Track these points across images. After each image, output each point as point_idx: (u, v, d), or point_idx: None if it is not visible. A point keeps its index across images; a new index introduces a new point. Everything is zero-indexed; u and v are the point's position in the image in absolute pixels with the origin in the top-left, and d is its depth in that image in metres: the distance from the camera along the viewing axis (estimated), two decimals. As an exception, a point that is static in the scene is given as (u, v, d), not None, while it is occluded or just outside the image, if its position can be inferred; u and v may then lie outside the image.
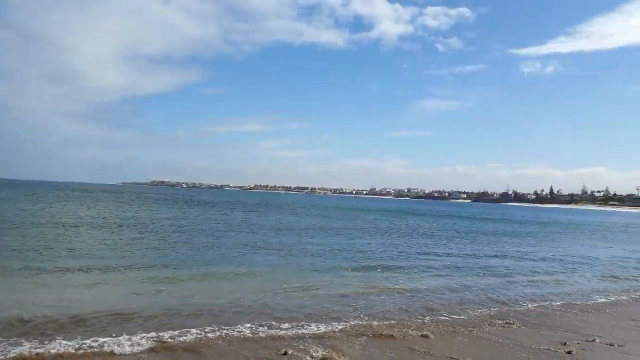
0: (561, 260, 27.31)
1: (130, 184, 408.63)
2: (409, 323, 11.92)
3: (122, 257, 19.72)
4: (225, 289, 14.92)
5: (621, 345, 10.69)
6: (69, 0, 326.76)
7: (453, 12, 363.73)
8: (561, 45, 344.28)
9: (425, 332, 11.04)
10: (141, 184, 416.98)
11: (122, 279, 15.67)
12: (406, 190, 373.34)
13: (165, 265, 18.43)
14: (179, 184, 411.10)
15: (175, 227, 34.53)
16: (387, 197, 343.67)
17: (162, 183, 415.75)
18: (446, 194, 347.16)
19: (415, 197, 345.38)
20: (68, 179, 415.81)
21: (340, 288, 15.78)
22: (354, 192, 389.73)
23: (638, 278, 22.21)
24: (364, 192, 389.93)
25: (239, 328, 10.74)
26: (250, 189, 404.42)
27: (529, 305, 14.90)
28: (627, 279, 21.87)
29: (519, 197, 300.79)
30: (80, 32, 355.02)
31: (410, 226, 50.31)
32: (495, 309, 14.07)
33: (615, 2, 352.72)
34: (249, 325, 11.01)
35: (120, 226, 32.71)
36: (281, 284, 15.82)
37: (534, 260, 26.70)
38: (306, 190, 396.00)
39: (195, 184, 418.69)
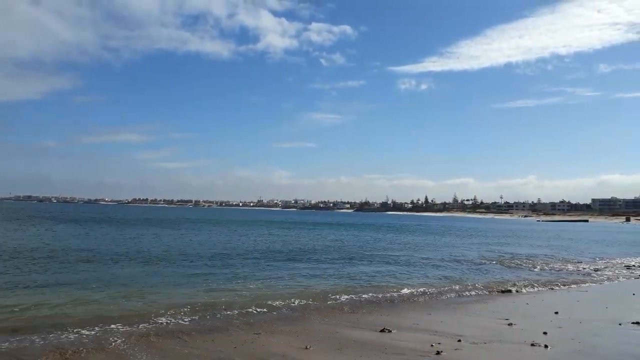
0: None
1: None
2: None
3: None
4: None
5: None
6: None
7: (336, 29, 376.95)
8: (434, 64, 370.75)
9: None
10: (4, 199, 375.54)
11: None
12: (293, 202, 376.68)
13: None
14: (48, 199, 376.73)
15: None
16: (275, 209, 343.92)
17: (29, 198, 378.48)
18: (331, 204, 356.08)
19: (302, 208, 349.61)
20: None
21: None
22: (240, 204, 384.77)
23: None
24: (251, 203, 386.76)
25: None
26: (129, 202, 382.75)
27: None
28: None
29: (397, 206, 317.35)
30: None
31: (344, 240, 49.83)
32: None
33: (480, 28, 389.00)
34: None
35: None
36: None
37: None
38: (190, 204, 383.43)
39: (67, 198, 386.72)
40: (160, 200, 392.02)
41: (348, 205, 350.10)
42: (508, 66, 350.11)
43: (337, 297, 16.23)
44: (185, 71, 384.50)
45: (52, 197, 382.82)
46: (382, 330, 11.64)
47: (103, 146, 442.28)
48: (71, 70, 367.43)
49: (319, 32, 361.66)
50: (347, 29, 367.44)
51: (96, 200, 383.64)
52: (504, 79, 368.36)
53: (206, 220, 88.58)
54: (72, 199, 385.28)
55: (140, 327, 11.52)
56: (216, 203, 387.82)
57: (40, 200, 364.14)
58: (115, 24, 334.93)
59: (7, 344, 9.80)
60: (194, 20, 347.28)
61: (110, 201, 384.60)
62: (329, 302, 15.28)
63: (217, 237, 44.48)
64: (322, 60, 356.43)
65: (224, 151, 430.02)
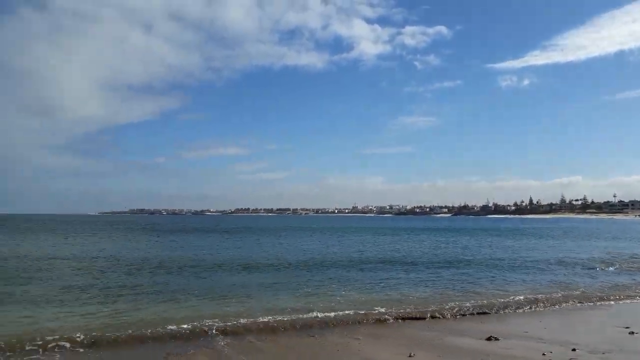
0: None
1: (108, 213, 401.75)
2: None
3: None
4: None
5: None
6: (48, 33, 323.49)
7: (430, 30, 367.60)
8: (536, 58, 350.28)
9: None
10: (120, 212, 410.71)
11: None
12: (388, 207, 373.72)
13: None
14: (158, 211, 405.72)
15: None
16: (370, 215, 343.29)
17: (142, 211, 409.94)
18: (427, 209, 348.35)
19: (397, 214, 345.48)
20: (46, 210, 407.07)
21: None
22: (336, 211, 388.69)
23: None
24: (347, 210, 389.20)
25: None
26: (232, 212, 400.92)
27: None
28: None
29: (499, 209, 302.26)
30: (60, 64, 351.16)
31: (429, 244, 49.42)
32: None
33: (586, 16, 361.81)
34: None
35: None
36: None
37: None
38: (288, 212, 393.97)
39: (175, 210, 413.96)
40: (261, 209, 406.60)
41: (445, 210, 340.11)
42: (620, 54, 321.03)
43: (439, 303, 15.89)
44: (281, 84, 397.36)
45: (162, 210, 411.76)
46: (489, 339, 11.23)
47: (207, 160, 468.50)
48: (178, 91, 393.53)
49: (413, 35, 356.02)
50: (442, 29, 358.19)
51: (202, 211, 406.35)
52: (615, 68, 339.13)
53: (304, 227, 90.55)
54: (180, 211, 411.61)
55: (239, 329, 12.11)
56: (313, 210, 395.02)
57: (152, 213, 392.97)
58: (217, 45, 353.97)
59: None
60: (290, 35, 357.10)
61: (215, 212, 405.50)
62: (429, 309, 14.99)
63: (314, 243, 45.28)
64: (416, 63, 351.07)
65: (318, 159, 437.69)
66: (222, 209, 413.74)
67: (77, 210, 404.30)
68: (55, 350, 10.37)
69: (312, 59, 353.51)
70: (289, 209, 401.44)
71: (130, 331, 11.76)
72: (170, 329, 12.05)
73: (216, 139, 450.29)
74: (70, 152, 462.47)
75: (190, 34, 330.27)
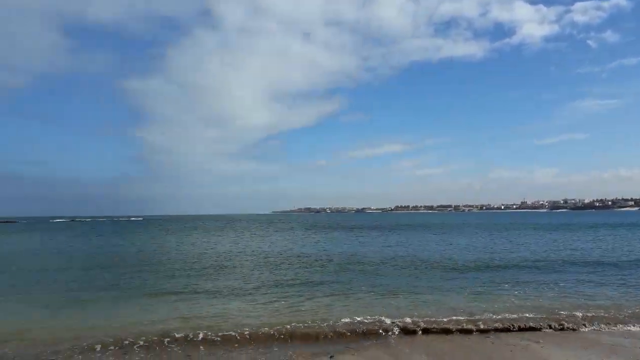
0: None
1: (279, 212, 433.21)
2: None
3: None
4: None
5: None
6: (220, 50, 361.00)
7: (605, 4, 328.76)
8: None
9: None
10: (289, 211, 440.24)
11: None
12: (562, 202, 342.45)
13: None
14: (323, 210, 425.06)
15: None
16: (541, 210, 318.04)
17: (308, 210, 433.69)
18: (609, 202, 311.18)
19: (573, 208, 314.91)
20: (224, 211, 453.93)
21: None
22: (502, 207, 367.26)
23: None
24: (514, 206, 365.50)
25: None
26: (392, 210, 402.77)
27: None
28: None
29: None
30: (231, 78, 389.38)
31: None
32: None
33: None
34: None
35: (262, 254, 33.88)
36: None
37: None
38: (450, 208, 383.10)
39: (339, 208, 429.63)
40: (421, 206, 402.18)
41: (632, 203, 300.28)
42: None
43: (629, 307, 14.08)
44: (439, 77, 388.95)
45: (327, 208, 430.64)
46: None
47: (367, 159, 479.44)
48: (337, 94, 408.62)
49: (584, 11, 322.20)
50: (620, 1, 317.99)
51: (363, 209, 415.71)
52: None
53: (467, 224, 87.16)
54: (343, 209, 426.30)
55: (411, 325, 12.03)
56: (476, 207, 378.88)
57: (317, 212, 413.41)
58: (373, 45, 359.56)
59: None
60: (445, 26, 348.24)
61: (375, 209, 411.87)
62: (623, 314, 13.34)
63: (479, 241, 43.27)
64: (590, 42, 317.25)
65: (480, 152, 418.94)
66: (382, 207, 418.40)
67: (253, 210, 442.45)
68: (237, 339, 11.40)
69: (470, 49, 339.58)
70: (450, 206, 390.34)
71: (309, 322, 12.50)
72: (344, 322, 12.51)
73: (375, 138, 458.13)
74: (244, 157, 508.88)
75: (346, 37, 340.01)
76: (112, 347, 10.59)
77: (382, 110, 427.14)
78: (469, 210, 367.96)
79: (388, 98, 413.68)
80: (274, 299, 16.21)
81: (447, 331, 11.75)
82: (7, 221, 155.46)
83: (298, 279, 20.69)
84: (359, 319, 12.77)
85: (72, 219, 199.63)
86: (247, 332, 11.56)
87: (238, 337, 11.26)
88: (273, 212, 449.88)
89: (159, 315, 13.91)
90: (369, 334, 11.55)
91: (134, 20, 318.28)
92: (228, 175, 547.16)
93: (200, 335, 11.36)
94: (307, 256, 30.42)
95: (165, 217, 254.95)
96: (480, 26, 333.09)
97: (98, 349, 10.51)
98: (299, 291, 17.73)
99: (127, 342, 10.93)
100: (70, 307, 15.31)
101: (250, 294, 17.38)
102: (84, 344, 10.80)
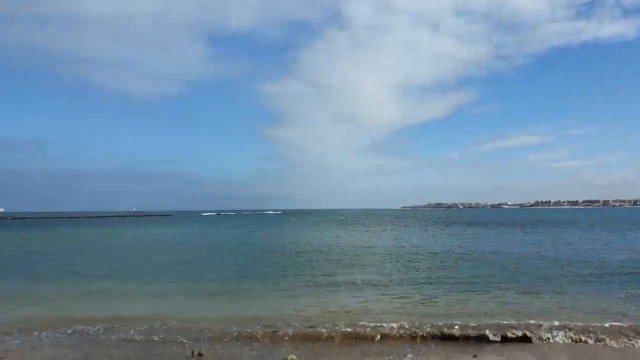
0: None
1: (409, 207, 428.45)
2: None
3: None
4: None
5: None
6: (349, 49, 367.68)
7: None
8: None
9: None
10: (419, 207, 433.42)
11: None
12: None
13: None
14: (455, 205, 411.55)
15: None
16: None
17: (439, 205, 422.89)
18: None
19: None
20: (355, 206, 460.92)
21: None
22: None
23: None
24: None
25: None
26: (531, 205, 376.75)
27: None
28: None
29: None
30: (360, 75, 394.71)
31: None
32: None
33: None
34: None
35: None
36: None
37: None
38: (597, 204, 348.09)
39: (472, 203, 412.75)
40: (564, 201, 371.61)
41: None
42: None
43: None
44: (581, 62, 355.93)
45: (459, 203, 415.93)
46: None
47: (501, 152, 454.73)
48: (468, 86, 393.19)
49: None
50: None
51: (499, 204, 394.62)
52: None
53: (620, 220, 78.61)
54: (477, 204, 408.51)
55: (555, 329, 11.30)
56: (629, 202, 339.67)
57: (449, 207, 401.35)
58: (506, 32, 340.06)
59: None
60: (588, 7, 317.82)
61: (512, 204, 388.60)
62: None
63: (635, 239, 38.85)
64: None
65: (635, 142, 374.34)
66: (520, 202, 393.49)
67: (382, 205, 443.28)
68: (375, 332, 11.70)
69: (618, 28, 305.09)
70: (597, 201, 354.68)
71: (445, 319, 12.41)
72: (483, 320, 12.20)
73: (510, 129, 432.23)
74: (373, 153, 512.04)
75: (477, 25, 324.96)
76: (259, 334, 11.52)
77: (518, 100, 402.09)
78: (619, 205, 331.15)
79: (524, 87, 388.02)
80: (409, 293, 16.29)
81: (598, 338, 10.92)
82: (166, 215, 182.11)
83: (432, 274, 20.53)
84: (498, 317, 12.41)
85: (218, 213, 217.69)
86: (385, 326, 11.82)
87: (376, 331, 11.57)
88: (403, 207, 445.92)
89: (301, 304, 14.76)
90: (511, 334, 11.15)
91: (269, 26, 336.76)
92: (358, 170, 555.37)
93: (344, 327, 11.85)
94: (439, 251, 29.93)
95: (301, 211, 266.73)
96: (629, 3, 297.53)
97: (248, 335, 11.51)
98: (433, 286, 17.64)
99: (275, 330, 11.82)
100: (222, 294, 16.87)
101: (385, 286, 17.68)
102: (235, 329, 11.90)
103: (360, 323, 12.04)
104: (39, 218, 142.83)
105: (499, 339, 10.76)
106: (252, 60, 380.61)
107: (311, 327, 11.95)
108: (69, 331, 11.95)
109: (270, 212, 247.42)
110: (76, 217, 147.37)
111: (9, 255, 32.28)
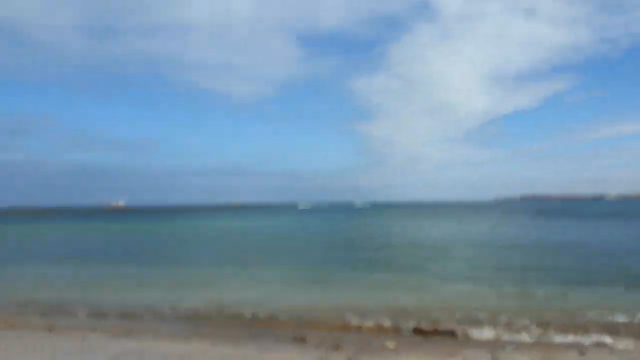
0: None
1: (501, 199, 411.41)
2: None
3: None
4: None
5: None
6: (438, 40, 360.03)
7: None
8: None
9: None
10: (512, 198, 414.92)
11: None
12: None
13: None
14: (549, 197, 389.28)
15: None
16: None
17: (534, 196, 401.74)
18: None
19: None
20: (445, 197, 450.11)
21: None
22: None
23: None
24: None
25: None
26: (638, 197, 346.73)
27: None
28: None
29: None
30: (450, 66, 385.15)
31: None
32: None
33: None
34: None
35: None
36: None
37: None
38: None
39: (569, 195, 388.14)
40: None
41: None
42: None
43: None
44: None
45: (554, 195, 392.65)
46: None
47: (599, 140, 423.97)
48: (564, 72, 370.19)
49: None
50: None
51: (601, 195, 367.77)
52: None
53: None
54: (575, 196, 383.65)
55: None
56: None
57: (542, 199, 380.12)
58: (611, 13, 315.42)
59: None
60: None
61: (617, 196, 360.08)
62: None
63: None
64: None
65: None
66: (624, 194, 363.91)
67: (473, 197, 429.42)
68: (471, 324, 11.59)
69: None
70: None
71: (544, 313, 12.03)
72: (588, 314, 11.74)
73: (613, 116, 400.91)
74: (464, 143, 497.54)
75: (576, 8, 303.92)
76: (358, 322, 11.84)
77: (623, 85, 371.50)
78: None
79: (630, 70, 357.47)
80: (504, 287, 15.94)
81: None
82: (264, 206, 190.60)
83: (527, 267, 19.95)
84: (603, 311, 11.83)
85: (312, 206, 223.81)
86: (483, 318, 11.71)
87: (471, 323, 11.49)
88: (495, 199, 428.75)
89: (395, 295, 14.92)
90: (619, 331, 10.60)
91: (358, 23, 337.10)
92: (448, 162, 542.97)
93: (439, 320, 11.90)
94: (533, 244, 28.81)
95: (391, 203, 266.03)
96: None
97: (347, 323, 11.88)
98: (529, 279, 17.13)
99: (373, 319, 12.10)
100: (320, 282, 17.44)
101: (478, 280, 17.40)
102: (334, 316, 12.34)
103: (457, 316, 12.02)
104: (156, 211, 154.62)
105: (608, 336, 10.28)
106: (342, 57, 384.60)
107: (410, 315, 12.11)
108: (177, 312, 13.03)
109: (360, 204, 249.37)
110: (181, 210, 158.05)
111: (143, 242, 35.25)
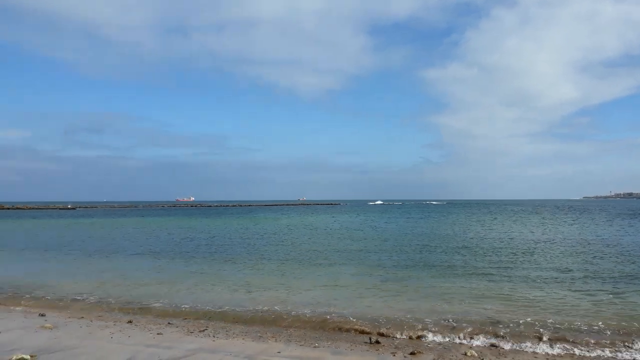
0: None
1: (592, 197, 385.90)
2: None
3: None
4: None
5: None
6: (519, 26, 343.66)
7: None
8: None
9: None
10: (604, 197, 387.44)
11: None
12: None
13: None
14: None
15: None
16: None
17: (630, 195, 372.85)
18: None
19: None
20: (528, 196, 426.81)
21: None
22: None
23: None
24: None
25: None
26: None
27: None
28: None
29: None
30: (532, 54, 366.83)
31: None
32: None
33: None
34: None
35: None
36: None
37: None
38: None
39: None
40: None
41: None
42: None
43: None
44: None
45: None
46: None
47: None
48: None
49: None
50: None
51: None
52: None
53: None
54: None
55: None
56: None
57: (638, 198, 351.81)
58: None
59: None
60: None
61: None
62: None
63: None
64: None
65: None
66: None
67: (560, 195, 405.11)
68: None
69: None
70: None
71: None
72: None
73: None
74: (548, 137, 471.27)
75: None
76: (437, 326, 11.23)
77: None
78: None
79: None
80: (597, 291, 14.82)
81: None
82: (333, 203, 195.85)
83: (621, 271, 18.43)
84: None
85: (386, 202, 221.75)
86: (575, 327, 10.73)
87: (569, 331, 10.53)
88: (584, 197, 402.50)
89: (476, 298, 14.09)
90: None
91: (430, 11, 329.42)
92: (531, 157, 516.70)
93: (525, 328, 11.05)
94: (628, 247, 26.49)
95: (467, 201, 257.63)
96: None
97: (425, 326, 11.30)
98: (623, 284, 15.84)
99: (453, 323, 11.46)
100: (394, 282, 16.92)
101: (567, 283, 16.32)
102: (410, 318, 11.83)
103: (549, 321, 11.12)
104: (224, 206, 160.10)
105: None
106: (414, 47, 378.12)
107: (493, 322, 11.34)
108: (250, 310, 13.05)
109: (434, 202, 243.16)
110: (250, 205, 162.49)
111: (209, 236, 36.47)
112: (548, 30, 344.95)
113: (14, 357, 8.13)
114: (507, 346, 9.87)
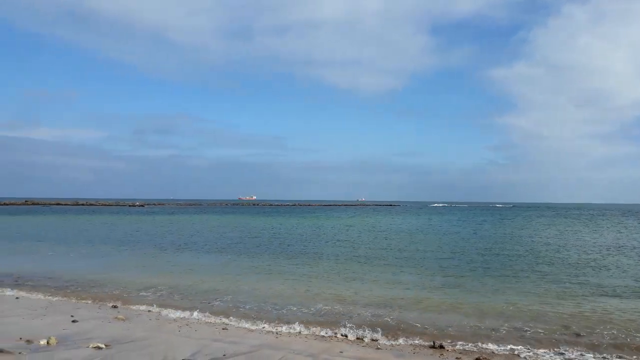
0: None
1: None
2: None
3: None
4: None
5: None
6: (590, 23, 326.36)
7: None
8: None
9: None
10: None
11: None
12: None
13: None
14: None
15: None
16: None
17: None
18: None
19: None
20: (601, 200, 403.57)
21: None
22: None
23: None
24: None
25: None
26: None
27: None
28: None
29: None
30: (605, 52, 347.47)
31: None
32: None
33: None
34: None
35: None
36: None
37: None
38: None
39: None
40: None
41: None
42: None
43: None
44: None
45: None
46: None
47: None
48: None
49: None
50: None
51: None
52: None
53: None
54: None
55: None
56: None
57: None
58: None
59: None
60: None
61: None
62: None
63: None
64: None
65: None
66: None
67: (633, 200, 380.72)
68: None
69: None
70: None
71: None
72: None
73: None
74: (622, 139, 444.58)
75: None
76: (503, 333, 10.83)
77: None
78: None
79: None
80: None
81: None
82: (391, 205, 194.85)
83: None
84: None
85: (447, 205, 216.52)
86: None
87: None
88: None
89: (550, 306, 13.47)
90: None
91: (494, 8, 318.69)
92: (605, 160, 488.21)
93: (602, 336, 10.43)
94: None
95: (535, 205, 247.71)
96: None
97: (489, 332, 10.94)
98: None
99: (522, 330, 11.03)
100: (457, 287, 16.49)
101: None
102: (475, 324, 11.47)
103: (631, 332, 10.47)
104: (285, 205, 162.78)
105: None
106: (478, 45, 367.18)
107: (564, 332, 10.80)
108: (312, 309, 13.09)
109: (499, 204, 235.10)
110: (310, 205, 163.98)
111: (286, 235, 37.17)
112: (624, 26, 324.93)
113: (91, 345, 8.59)
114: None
